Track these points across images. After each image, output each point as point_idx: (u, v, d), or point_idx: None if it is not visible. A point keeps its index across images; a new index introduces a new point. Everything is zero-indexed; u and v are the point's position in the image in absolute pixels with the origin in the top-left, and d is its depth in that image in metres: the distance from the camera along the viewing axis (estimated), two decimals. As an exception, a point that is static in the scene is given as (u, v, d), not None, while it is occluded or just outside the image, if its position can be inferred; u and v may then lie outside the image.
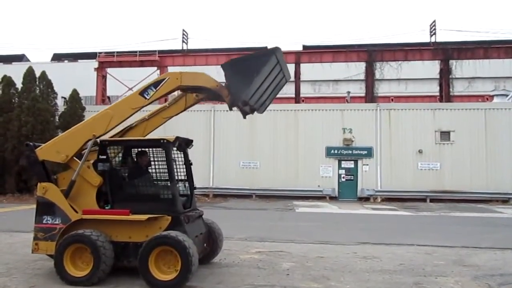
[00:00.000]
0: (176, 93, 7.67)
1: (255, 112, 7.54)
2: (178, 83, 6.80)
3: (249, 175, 23.94)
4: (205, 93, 7.27)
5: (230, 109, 7.09)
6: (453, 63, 30.05)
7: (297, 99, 30.18)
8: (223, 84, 6.90)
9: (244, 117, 7.57)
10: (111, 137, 7.29)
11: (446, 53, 29.57)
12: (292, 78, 31.01)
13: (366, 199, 22.97)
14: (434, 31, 31.33)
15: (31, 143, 6.98)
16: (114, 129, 7.29)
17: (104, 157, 6.74)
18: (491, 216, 16.92)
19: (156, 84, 6.84)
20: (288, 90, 36.62)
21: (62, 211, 6.55)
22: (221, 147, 24.37)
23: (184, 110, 7.54)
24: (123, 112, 6.88)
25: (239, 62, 6.77)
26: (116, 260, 6.38)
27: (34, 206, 6.91)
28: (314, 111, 24.69)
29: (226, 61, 6.81)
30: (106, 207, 6.72)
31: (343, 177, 23.72)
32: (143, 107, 6.89)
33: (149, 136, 7.17)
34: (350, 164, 23.76)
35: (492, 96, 31.36)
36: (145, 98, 6.82)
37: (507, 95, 29.66)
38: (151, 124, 7.43)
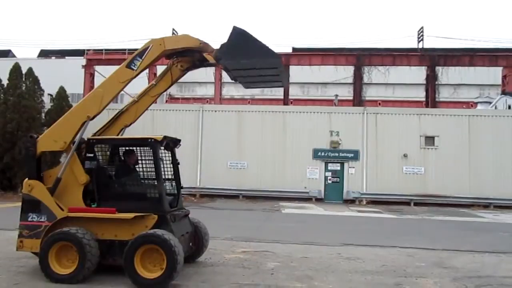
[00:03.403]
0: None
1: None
2: (162, 49, 6.82)
3: (237, 176, 23.98)
4: (189, 58, 7.25)
5: (215, 62, 7.07)
6: (439, 69, 30.61)
7: (286, 101, 30.41)
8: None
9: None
10: (102, 128, 7.31)
11: (432, 59, 30.10)
12: (281, 80, 31.37)
13: (351, 202, 23.19)
14: (421, 38, 31.88)
15: (35, 135, 6.93)
16: (107, 117, 7.31)
17: (91, 155, 6.75)
18: (472, 221, 17.27)
19: (141, 53, 6.84)
20: (276, 91, 37.01)
21: (48, 209, 6.53)
22: (209, 147, 24.35)
23: (172, 84, 7.54)
24: (113, 88, 6.88)
25: (248, 37, 6.53)
26: (101, 258, 6.40)
27: (18, 204, 6.87)
28: (302, 113, 24.88)
29: (240, 28, 6.59)
30: (93, 205, 6.74)
31: (329, 179, 23.92)
32: (132, 79, 6.90)
33: (137, 135, 7.18)
34: (337, 167, 23.98)
35: (476, 103, 32.03)
36: (133, 69, 6.83)
37: (490, 103, 30.32)
38: (142, 105, 7.43)
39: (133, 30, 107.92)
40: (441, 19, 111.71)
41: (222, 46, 6.74)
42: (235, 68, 6.91)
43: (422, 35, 31.82)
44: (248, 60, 6.62)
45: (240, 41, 6.52)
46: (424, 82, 31.90)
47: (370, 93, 34.41)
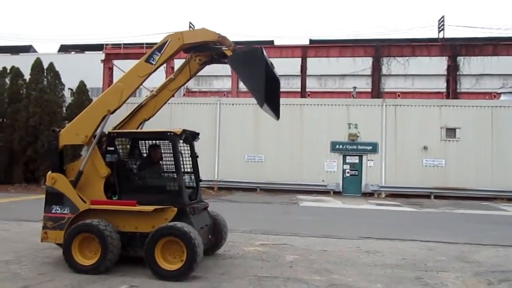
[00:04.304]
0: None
1: None
2: (180, 43, 6.87)
3: (254, 169, 24.05)
4: (208, 52, 7.30)
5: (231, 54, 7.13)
6: (461, 59, 29.79)
7: (303, 93, 30.17)
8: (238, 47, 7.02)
9: None
10: (121, 122, 7.40)
11: (454, 49, 29.32)
12: (298, 72, 31.14)
13: (370, 195, 22.99)
14: (442, 27, 31.08)
15: (57, 129, 7.09)
16: (126, 111, 7.39)
17: (112, 148, 6.85)
18: (495, 214, 16.91)
19: (160, 48, 6.89)
20: (294, 84, 36.82)
21: (71, 201, 6.67)
22: (226, 140, 24.46)
23: (190, 78, 7.60)
24: (133, 82, 6.97)
25: (259, 65, 6.57)
26: (123, 250, 6.51)
27: (42, 196, 7.03)
28: (320, 106, 24.70)
29: (263, 53, 6.66)
30: (114, 198, 6.85)
31: (348, 172, 23.75)
32: (151, 73, 6.98)
33: (157, 129, 7.24)
34: (355, 159, 23.79)
35: (500, 94, 31.17)
36: (152, 64, 6.90)
37: (514, 93, 29.43)
38: (161, 99, 7.52)
39: (149, 24, 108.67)
40: (463, 8, 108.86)
41: (242, 48, 6.87)
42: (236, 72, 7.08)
43: (443, 25, 31.00)
44: (242, 79, 6.76)
45: (252, 59, 6.60)
46: (445, 72, 31.16)
47: (389, 85, 33.80)
